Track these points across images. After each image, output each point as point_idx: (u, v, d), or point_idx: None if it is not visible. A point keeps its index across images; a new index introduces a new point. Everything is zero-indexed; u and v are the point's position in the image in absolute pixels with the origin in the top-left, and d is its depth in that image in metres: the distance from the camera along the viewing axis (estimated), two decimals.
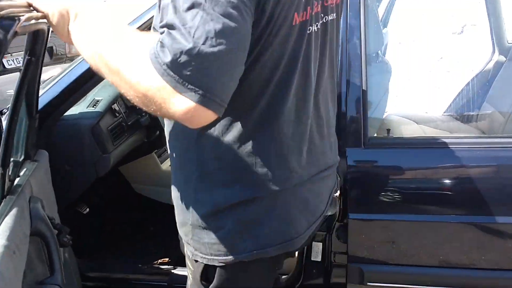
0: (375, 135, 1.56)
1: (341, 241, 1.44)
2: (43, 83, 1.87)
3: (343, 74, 1.38)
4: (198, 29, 0.69)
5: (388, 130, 1.53)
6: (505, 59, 2.54)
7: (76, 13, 0.85)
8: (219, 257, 0.94)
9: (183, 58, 0.70)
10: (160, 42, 0.72)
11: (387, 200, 1.39)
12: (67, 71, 1.59)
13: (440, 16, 3.80)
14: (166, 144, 1.03)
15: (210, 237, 0.94)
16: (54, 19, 0.86)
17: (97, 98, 1.69)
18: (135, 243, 2.03)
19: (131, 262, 1.87)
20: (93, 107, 1.65)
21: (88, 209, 2.01)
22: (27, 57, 1.10)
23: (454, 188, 1.37)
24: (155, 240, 2.06)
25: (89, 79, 1.50)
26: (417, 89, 4.07)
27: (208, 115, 0.74)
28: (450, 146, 1.38)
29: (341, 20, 1.37)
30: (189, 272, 1.06)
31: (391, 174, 1.41)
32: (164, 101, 0.73)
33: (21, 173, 1.22)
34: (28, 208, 1.08)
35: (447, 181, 1.37)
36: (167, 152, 1.54)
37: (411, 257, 1.44)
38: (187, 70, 0.70)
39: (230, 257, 0.93)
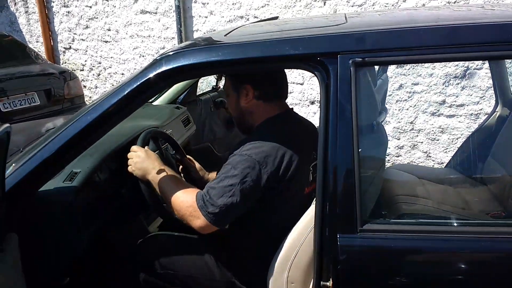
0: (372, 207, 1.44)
1: None
2: (21, 150, 1.79)
3: (332, 153, 1.27)
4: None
5: (385, 214, 1.40)
6: (508, 111, 2.43)
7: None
8: None
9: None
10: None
11: None
12: (44, 143, 1.50)
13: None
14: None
15: None
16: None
17: (75, 171, 1.58)
18: None
19: None
20: (69, 180, 1.54)
21: (68, 279, 1.87)
22: None
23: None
24: None
25: (69, 151, 1.40)
26: (419, 133, 3.97)
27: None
28: (462, 235, 1.24)
29: (331, 96, 1.30)
30: None
31: (390, 265, 1.25)
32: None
33: None
34: None
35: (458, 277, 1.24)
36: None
37: None
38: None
39: None
